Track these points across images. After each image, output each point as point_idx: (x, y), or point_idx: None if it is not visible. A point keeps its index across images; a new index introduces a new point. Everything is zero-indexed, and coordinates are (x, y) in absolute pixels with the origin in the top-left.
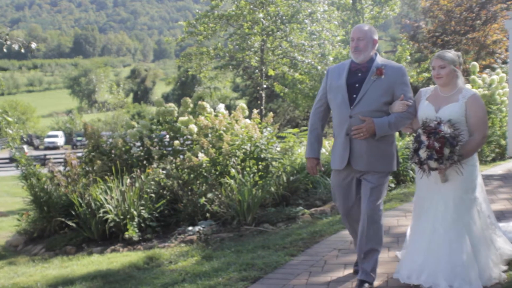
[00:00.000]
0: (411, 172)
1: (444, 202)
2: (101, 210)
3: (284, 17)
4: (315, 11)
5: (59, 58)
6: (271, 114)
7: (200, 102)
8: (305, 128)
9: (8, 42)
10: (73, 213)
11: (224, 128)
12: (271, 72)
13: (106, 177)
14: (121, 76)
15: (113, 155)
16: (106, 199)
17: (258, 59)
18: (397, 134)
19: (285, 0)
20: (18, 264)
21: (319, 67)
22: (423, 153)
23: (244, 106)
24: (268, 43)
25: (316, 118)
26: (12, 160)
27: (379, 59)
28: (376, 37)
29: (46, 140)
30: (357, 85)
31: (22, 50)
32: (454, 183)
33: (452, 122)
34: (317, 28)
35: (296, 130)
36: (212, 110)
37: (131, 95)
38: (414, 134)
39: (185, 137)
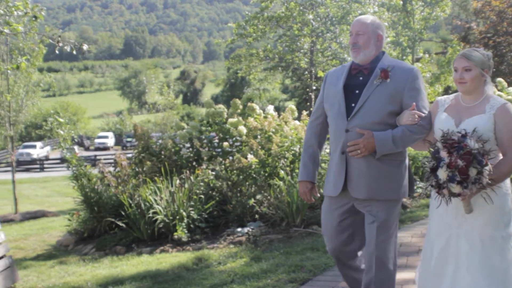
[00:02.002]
0: None
1: (468, 240)
2: (151, 211)
3: (333, 19)
4: (365, 12)
5: (110, 59)
6: None
7: (249, 104)
8: None
9: (60, 44)
10: (123, 213)
11: (273, 130)
12: (320, 74)
13: (156, 178)
14: (171, 77)
15: (162, 156)
16: (155, 200)
17: (308, 61)
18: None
19: (335, 2)
20: (69, 264)
21: None
22: (442, 174)
23: (293, 107)
24: (317, 44)
25: (312, 133)
26: (63, 160)
27: (386, 59)
28: (381, 31)
29: (97, 141)
30: (357, 91)
31: (74, 52)
32: (481, 215)
33: (479, 136)
34: None
35: None
36: (261, 111)
37: (181, 96)
38: (432, 149)
39: (234, 138)
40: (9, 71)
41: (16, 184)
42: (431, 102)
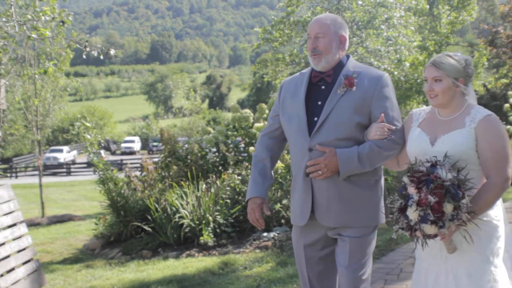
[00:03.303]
0: None
1: (455, 276)
2: (177, 215)
3: (360, 23)
4: (391, 16)
5: (136, 64)
6: None
7: None
8: None
9: (88, 49)
10: (149, 217)
11: None
12: None
13: (182, 182)
14: (197, 82)
15: (189, 161)
16: (181, 204)
17: None
18: None
19: (361, 6)
20: (95, 268)
21: (395, 73)
22: (412, 214)
23: None
24: None
25: (263, 147)
26: (89, 164)
27: (351, 64)
28: (344, 32)
29: (123, 145)
30: (319, 102)
31: (101, 57)
32: (468, 251)
33: (454, 159)
34: (394, 33)
35: None
36: None
37: (207, 101)
38: (398, 185)
39: None
40: (36, 75)
41: (43, 188)
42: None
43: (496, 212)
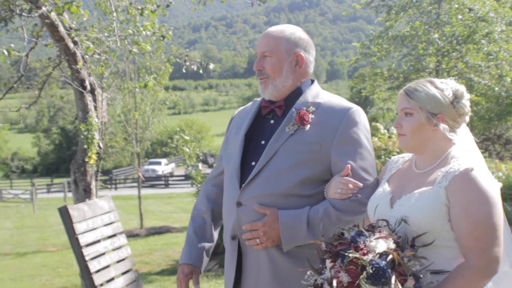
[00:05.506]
0: None
1: None
2: None
3: (459, 38)
4: (492, 31)
5: (234, 78)
6: None
7: (373, 123)
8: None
9: (187, 63)
10: None
11: (398, 150)
12: None
13: None
14: None
15: None
16: None
17: None
18: None
19: (461, 21)
20: None
21: (496, 89)
22: None
23: None
24: (443, 64)
25: (204, 195)
26: (187, 177)
27: (312, 93)
28: (302, 49)
29: None
30: (263, 141)
31: (201, 71)
32: None
33: (416, 230)
34: (494, 48)
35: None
36: (385, 131)
37: None
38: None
39: None
40: (136, 89)
41: (142, 199)
42: None
43: None
